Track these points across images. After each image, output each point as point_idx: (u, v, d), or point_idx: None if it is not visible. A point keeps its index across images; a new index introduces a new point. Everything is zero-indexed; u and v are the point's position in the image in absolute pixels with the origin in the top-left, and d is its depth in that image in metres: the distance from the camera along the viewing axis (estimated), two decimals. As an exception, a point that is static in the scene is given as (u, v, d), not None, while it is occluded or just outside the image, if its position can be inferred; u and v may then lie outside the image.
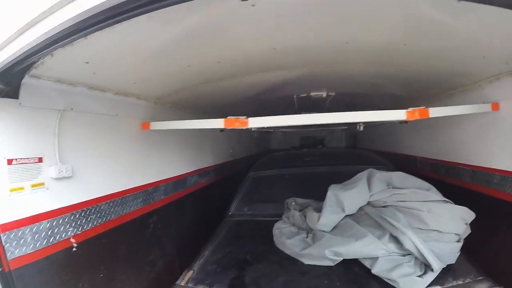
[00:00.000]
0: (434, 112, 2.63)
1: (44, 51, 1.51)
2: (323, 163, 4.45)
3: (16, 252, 1.97)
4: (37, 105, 2.14)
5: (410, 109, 2.53)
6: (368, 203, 2.76)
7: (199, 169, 4.65)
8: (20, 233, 2.00)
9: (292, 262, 2.58)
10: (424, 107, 2.55)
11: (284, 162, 4.98)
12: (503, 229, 2.83)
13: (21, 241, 2.01)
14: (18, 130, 2.05)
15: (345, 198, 2.75)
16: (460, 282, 2.17)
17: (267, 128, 4.99)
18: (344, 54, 2.51)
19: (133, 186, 3.06)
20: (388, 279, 2.20)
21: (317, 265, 2.47)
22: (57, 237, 2.24)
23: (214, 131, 5.05)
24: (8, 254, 1.93)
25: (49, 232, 2.19)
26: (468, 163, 3.40)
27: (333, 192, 2.82)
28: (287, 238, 2.81)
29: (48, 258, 2.16)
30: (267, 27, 1.89)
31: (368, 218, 2.65)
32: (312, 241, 2.68)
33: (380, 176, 2.85)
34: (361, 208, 2.77)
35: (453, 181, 3.66)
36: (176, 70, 2.57)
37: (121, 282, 2.82)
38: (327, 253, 2.44)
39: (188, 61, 2.40)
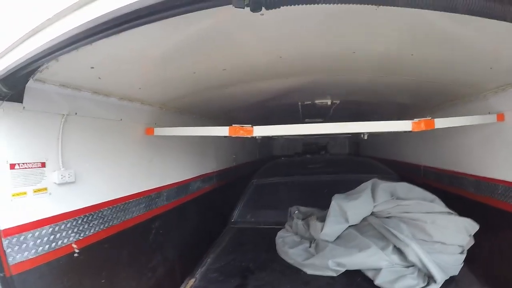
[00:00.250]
0: (440, 123, 2.61)
1: (49, 56, 1.51)
2: (327, 171, 4.43)
3: (17, 257, 1.95)
4: (41, 109, 2.12)
5: (415, 120, 2.51)
6: (372, 214, 2.75)
7: (202, 174, 4.63)
8: (22, 238, 1.99)
9: (294, 272, 2.56)
10: (429, 117, 2.53)
11: (287, 169, 4.98)
12: (507, 240, 2.79)
13: (23, 246, 1.99)
14: (21, 134, 2.03)
15: (349, 208, 2.73)
16: None
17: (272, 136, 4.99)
18: (350, 63, 2.51)
19: (136, 192, 3.04)
20: (391, 290, 2.18)
21: (320, 276, 2.45)
22: (59, 243, 2.22)
23: (217, 136, 5.02)
24: (9, 259, 1.91)
25: (51, 238, 2.17)
26: (472, 173, 3.37)
27: (337, 202, 2.79)
28: (290, 248, 2.79)
29: (49, 264, 2.14)
30: (274, 36, 1.89)
31: (371, 228, 2.63)
32: (315, 251, 2.66)
33: (384, 187, 2.83)
34: (364, 219, 2.74)
35: (457, 191, 3.63)
36: (182, 76, 2.57)
37: (122, 288, 2.80)
38: (330, 264, 2.43)
39: (194, 68, 2.41)
